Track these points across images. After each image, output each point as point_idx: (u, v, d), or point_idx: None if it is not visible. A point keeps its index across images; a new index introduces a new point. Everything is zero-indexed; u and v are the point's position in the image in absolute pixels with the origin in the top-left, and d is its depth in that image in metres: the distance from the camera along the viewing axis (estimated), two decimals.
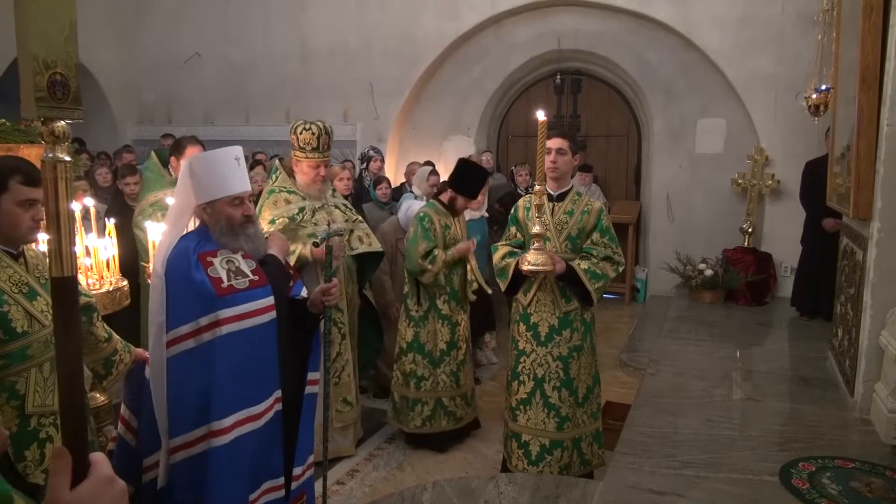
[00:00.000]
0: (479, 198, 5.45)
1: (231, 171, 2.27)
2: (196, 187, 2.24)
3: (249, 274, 2.25)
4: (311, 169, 3.81)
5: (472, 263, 4.29)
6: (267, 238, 2.52)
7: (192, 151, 4.16)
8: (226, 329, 2.16)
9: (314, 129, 3.76)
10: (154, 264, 2.35)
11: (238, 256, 2.28)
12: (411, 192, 6.16)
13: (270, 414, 2.26)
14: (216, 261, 2.23)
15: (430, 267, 4.00)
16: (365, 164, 7.12)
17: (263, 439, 2.25)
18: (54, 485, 0.93)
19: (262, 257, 2.41)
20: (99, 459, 0.97)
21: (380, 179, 6.16)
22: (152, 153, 4.50)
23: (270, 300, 2.25)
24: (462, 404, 4.23)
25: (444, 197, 4.25)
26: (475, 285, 4.32)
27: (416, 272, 4.07)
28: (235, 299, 2.19)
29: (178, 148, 4.21)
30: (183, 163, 2.26)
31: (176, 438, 2.17)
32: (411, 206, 4.98)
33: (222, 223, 2.27)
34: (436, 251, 4.04)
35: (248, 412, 2.20)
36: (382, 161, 7.28)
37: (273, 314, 2.25)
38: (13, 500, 0.69)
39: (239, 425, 2.18)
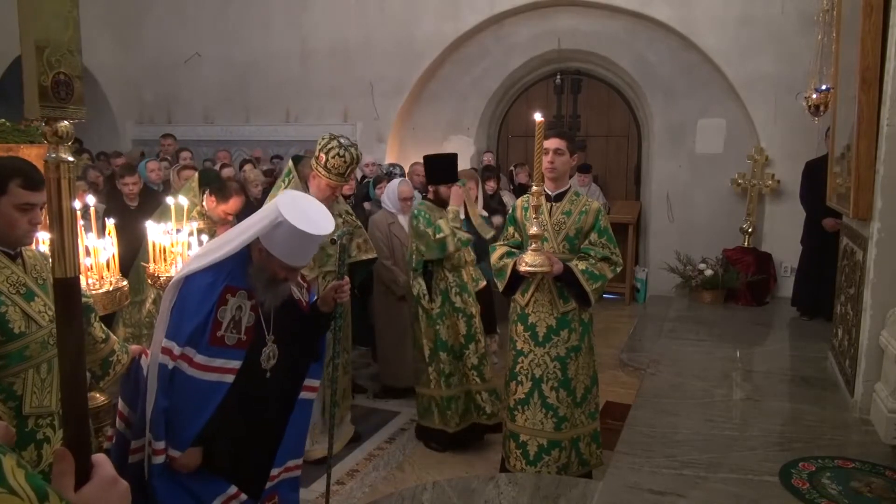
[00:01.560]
0: (473, 191, 5.48)
1: (307, 250, 2.27)
2: (272, 237, 2.19)
3: (242, 332, 2.27)
4: (328, 188, 3.74)
5: (472, 211, 4.45)
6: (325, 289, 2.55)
7: (235, 201, 4.02)
8: (191, 372, 2.20)
9: (347, 157, 3.65)
10: (184, 267, 2.36)
11: (248, 305, 2.28)
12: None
13: (162, 460, 2.26)
14: (231, 301, 2.25)
15: (442, 234, 4.05)
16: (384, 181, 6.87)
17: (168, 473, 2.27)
18: (58, 487, 0.93)
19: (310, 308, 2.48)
20: (101, 460, 0.97)
21: (380, 178, 6.13)
22: (197, 174, 4.32)
23: (237, 364, 2.25)
24: (492, 400, 4.21)
25: (430, 194, 4.32)
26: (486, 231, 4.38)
27: (441, 249, 4.09)
28: (216, 352, 2.22)
29: (222, 193, 4.00)
30: (275, 206, 2.18)
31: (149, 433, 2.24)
32: (391, 185, 5.13)
33: (266, 274, 2.25)
34: (437, 222, 4.10)
35: (157, 445, 2.23)
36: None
37: (230, 378, 2.24)
38: (49, 495, 0.70)
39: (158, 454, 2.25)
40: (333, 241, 3.46)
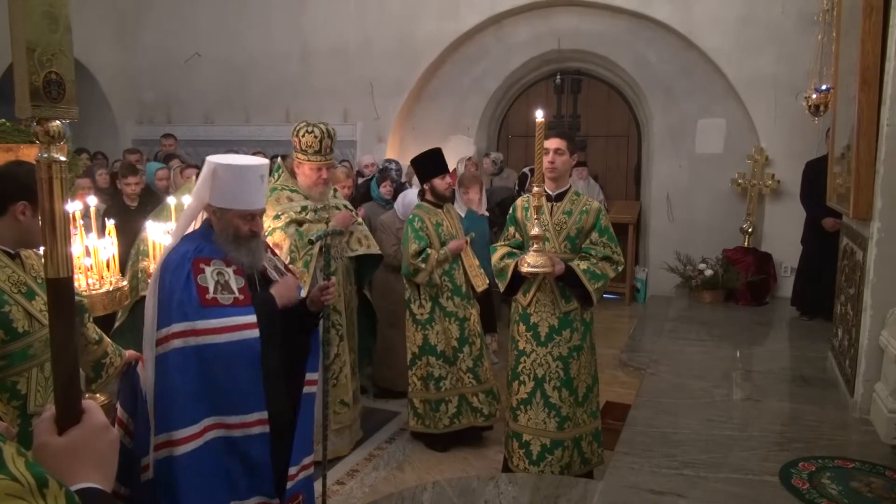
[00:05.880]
0: (473, 195, 5.45)
1: (253, 187, 2.29)
2: (215, 190, 2.27)
3: (236, 292, 2.26)
4: (312, 171, 3.80)
5: (469, 262, 4.24)
6: (279, 281, 2.43)
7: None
8: (201, 340, 2.16)
9: (316, 131, 3.74)
10: (158, 260, 2.37)
11: (230, 271, 2.28)
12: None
13: (252, 431, 2.23)
14: (208, 270, 2.24)
15: (422, 266, 4.02)
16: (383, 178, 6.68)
17: (243, 453, 2.22)
18: (40, 431, 0.90)
19: (264, 294, 2.37)
20: (92, 406, 0.95)
21: (384, 177, 6.03)
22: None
23: (251, 319, 2.23)
24: (489, 401, 4.17)
25: (427, 194, 4.30)
26: (480, 283, 4.27)
27: (410, 273, 4.08)
28: (216, 312, 2.19)
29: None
30: (208, 162, 2.27)
31: (160, 435, 2.17)
32: (407, 195, 5.05)
33: (229, 232, 2.29)
34: (429, 250, 4.05)
35: (219, 420, 2.19)
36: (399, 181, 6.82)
37: (255, 333, 2.22)
38: (49, 482, 0.70)
39: (207, 431, 2.17)
40: (311, 242, 3.47)
